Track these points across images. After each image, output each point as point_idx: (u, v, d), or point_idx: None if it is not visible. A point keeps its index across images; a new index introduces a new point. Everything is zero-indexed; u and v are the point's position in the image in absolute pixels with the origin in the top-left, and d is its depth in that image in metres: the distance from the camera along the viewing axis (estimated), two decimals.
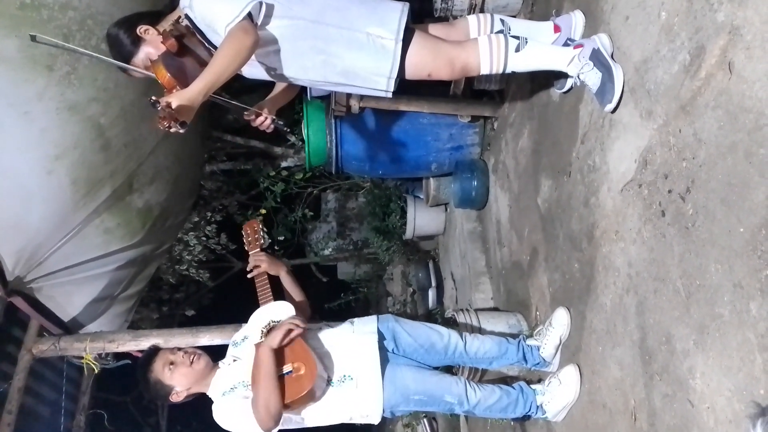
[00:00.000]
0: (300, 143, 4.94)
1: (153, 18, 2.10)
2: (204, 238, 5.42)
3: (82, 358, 3.27)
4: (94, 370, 3.33)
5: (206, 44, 2.07)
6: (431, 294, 5.01)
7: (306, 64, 2.11)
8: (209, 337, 3.23)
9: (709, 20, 1.52)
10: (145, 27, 2.04)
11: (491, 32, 2.25)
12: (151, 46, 2.05)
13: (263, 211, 5.43)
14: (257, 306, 2.34)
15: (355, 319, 2.42)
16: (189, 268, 5.41)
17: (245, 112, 2.22)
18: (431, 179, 4.21)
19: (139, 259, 3.71)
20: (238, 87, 4.46)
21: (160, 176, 3.52)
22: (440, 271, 5.08)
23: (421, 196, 4.77)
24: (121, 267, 3.53)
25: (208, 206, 5.48)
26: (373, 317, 2.41)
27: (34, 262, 2.98)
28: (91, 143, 2.83)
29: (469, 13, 3.13)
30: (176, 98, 1.76)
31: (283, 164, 5.32)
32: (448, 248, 4.80)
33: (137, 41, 2.05)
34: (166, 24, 2.06)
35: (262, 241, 2.48)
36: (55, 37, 2.50)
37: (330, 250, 6.39)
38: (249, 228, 2.52)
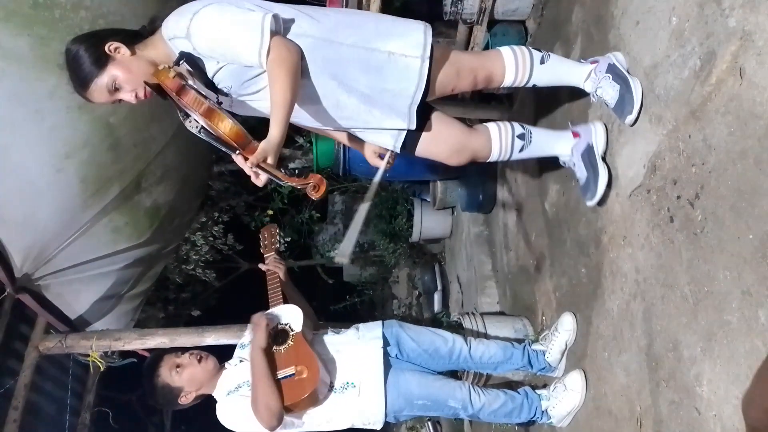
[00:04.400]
0: (308, 145, 4.95)
1: (127, 37, 1.77)
2: (211, 239, 5.43)
3: (88, 355, 3.29)
4: (99, 368, 3.35)
5: (197, 74, 1.78)
6: (437, 297, 5.01)
7: (314, 93, 1.85)
8: (215, 337, 3.24)
9: (720, 26, 1.51)
10: (116, 44, 1.72)
11: (513, 135, 2.11)
12: (121, 68, 1.73)
13: (270, 212, 5.45)
14: (265, 307, 2.35)
15: (360, 325, 2.42)
16: (196, 268, 5.42)
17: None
18: (438, 182, 4.21)
19: (146, 258, 3.72)
20: None
21: (169, 176, 3.53)
22: (446, 275, 5.08)
23: (428, 199, 4.77)
24: (128, 266, 3.55)
25: (216, 206, 5.49)
26: (378, 323, 2.41)
27: (42, 259, 3.00)
28: (101, 142, 2.85)
29: (477, 19, 3.13)
30: (269, 153, 1.63)
31: (291, 165, 5.32)
32: (454, 252, 4.79)
33: (102, 60, 1.71)
34: (147, 49, 1.77)
35: (278, 245, 2.48)
36: (66, 36, 2.52)
37: (336, 251, 6.39)
38: (266, 232, 2.52)
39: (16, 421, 3.32)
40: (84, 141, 2.76)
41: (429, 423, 4.59)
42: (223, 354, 2.35)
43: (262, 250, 2.50)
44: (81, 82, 1.75)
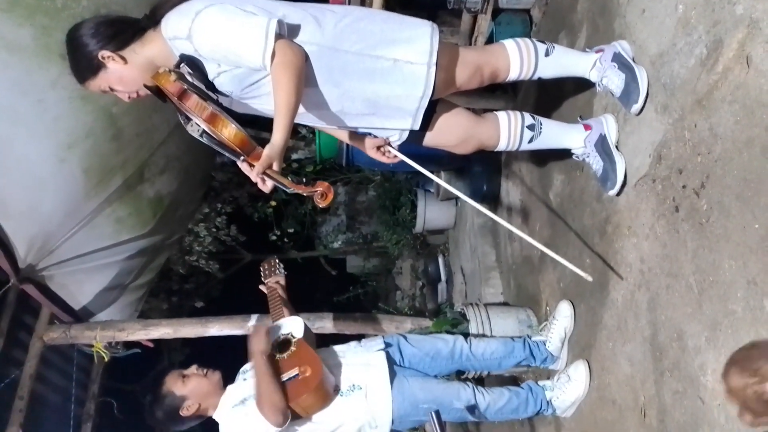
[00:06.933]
0: (311, 135, 4.94)
1: (125, 39, 1.75)
2: (214, 230, 5.45)
3: (93, 346, 3.30)
4: (104, 358, 3.36)
5: (198, 76, 1.77)
6: (440, 288, 5.01)
7: (319, 100, 1.85)
8: (218, 328, 3.24)
9: (728, 13, 1.50)
10: (108, 54, 1.72)
11: (522, 125, 2.11)
12: (113, 77, 1.77)
13: (273, 203, 5.45)
14: (267, 301, 2.37)
15: (363, 340, 2.45)
16: (199, 259, 5.44)
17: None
18: (442, 173, 4.20)
19: (150, 249, 3.73)
20: None
21: (172, 166, 3.53)
22: (450, 266, 5.08)
23: (432, 190, 4.76)
24: (131, 256, 3.55)
25: (219, 197, 5.50)
26: (379, 336, 2.46)
27: (46, 250, 3.01)
28: (103, 132, 2.85)
29: (482, 8, 3.11)
30: (274, 159, 1.62)
31: (294, 156, 5.33)
32: (458, 242, 4.79)
33: (96, 65, 1.75)
34: (145, 46, 1.75)
35: (278, 272, 2.49)
36: (69, 26, 2.51)
37: (339, 243, 6.41)
38: (267, 264, 2.52)
39: (21, 410, 3.35)
40: (87, 131, 2.76)
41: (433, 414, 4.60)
42: (227, 378, 2.30)
43: (263, 279, 2.49)
44: (76, 77, 1.81)
